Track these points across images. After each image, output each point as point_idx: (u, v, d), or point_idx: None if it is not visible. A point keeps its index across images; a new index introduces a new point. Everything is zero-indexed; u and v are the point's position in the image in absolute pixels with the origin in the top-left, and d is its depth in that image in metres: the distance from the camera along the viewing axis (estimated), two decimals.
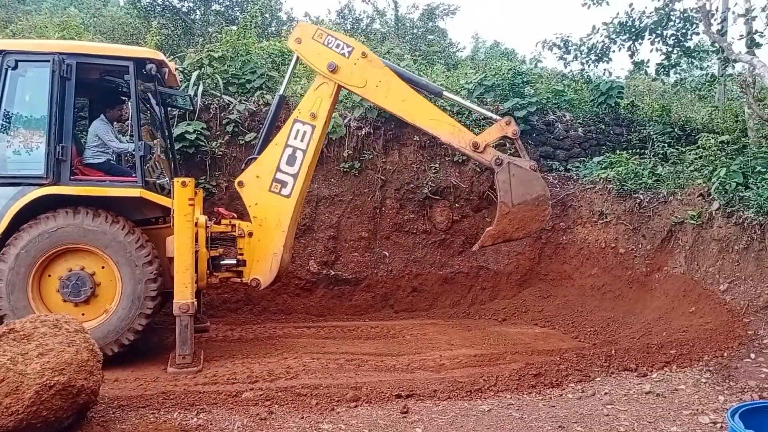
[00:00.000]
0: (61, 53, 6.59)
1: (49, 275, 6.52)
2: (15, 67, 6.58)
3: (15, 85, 6.69)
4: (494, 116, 7.25)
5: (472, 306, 10.06)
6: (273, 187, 7.21)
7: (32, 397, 4.28)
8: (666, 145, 11.21)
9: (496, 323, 9.23)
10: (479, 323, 9.20)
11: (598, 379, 6.33)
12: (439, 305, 10.07)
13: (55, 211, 6.45)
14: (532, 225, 6.89)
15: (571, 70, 14.10)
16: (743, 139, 10.02)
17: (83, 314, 6.45)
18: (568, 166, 11.21)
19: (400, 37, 18.74)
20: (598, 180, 10.30)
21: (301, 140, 7.22)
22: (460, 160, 10.60)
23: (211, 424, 5.02)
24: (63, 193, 6.47)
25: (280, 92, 7.71)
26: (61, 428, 4.57)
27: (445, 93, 7.35)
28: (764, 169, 8.02)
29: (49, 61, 6.54)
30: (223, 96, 10.08)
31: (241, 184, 7.30)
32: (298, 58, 7.41)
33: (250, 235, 7.28)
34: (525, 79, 11.91)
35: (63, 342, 4.64)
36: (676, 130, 11.92)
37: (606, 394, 5.94)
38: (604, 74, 13.97)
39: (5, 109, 6.62)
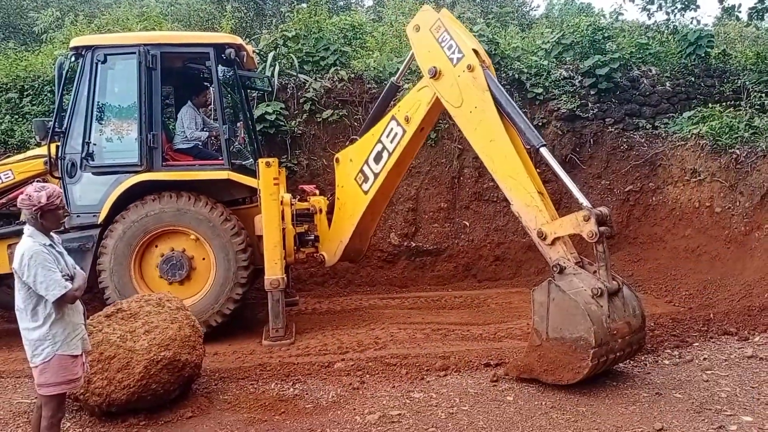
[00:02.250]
0: (145, 44, 6.86)
1: (149, 257, 6.88)
2: (104, 61, 6.91)
3: (105, 78, 7.05)
4: (582, 201, 5.28)
5: None
6: (358, 177, 7.04)
7: (142, 371, 4.59)
8: (763, 95, 10.44)
9: None
10: None
11: (696, 344, 6.12)
12: (523, 273, 9.92)
13: (159, 194, 6.79)
14: (564, 374, 5.00)
15: (655, 21, 13.36)
16: None
17: (186, 292, 6.77)
18: (656, 123, 10.65)
19: (470, 0, 18.28)
20: (689, 136, 9.75)
21: (391, 141, 6.71)
22: (540, 123, 10.30)
23: (306, 394, 5.23)
24: (156, 178, 6.81)
25: (393, 79, 7.27)
26: (169, 400, 4.88)
27: (542, 150, 5.63)
28: None
29: (135, 53, 6.84)
30: (299, 75, 10.22)
31: (337, 160, 7.29)
32: None
33: (321, 211, 7.38)
34: (606, 35, 11.35)
35: (167, 319, 4.94)
36: None
37: (705, 359, 5.73)
38: (691, 23, 13.17)
39: (98, 102, 6.99)
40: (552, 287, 5.08)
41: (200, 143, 7.69)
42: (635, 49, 11.53)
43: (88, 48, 6.92)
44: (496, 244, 10.06)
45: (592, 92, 10.62)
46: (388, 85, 7.37)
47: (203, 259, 6.89)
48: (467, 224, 10.13)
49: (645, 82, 10.98)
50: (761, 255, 8.09)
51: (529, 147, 5.76)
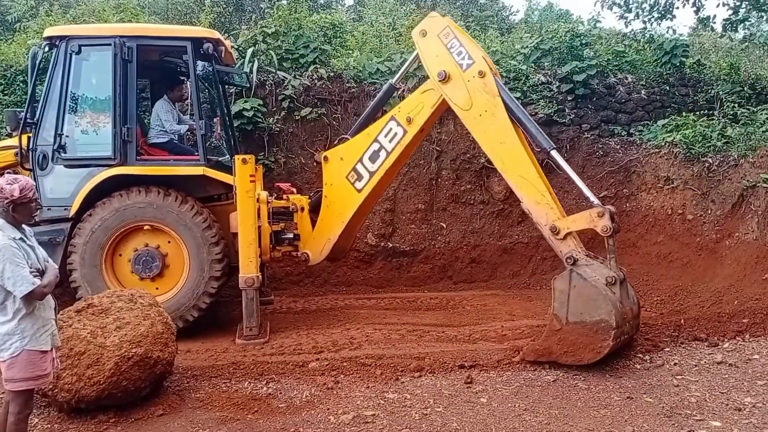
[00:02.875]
0: (121, 36, 6.74)
1: (120, 254, 6.77)
2: (78, 52, 6.77)
3: (80, 69, 6.91)
4: (593, 199, 5.84)
5: (533, 276, 9.93)
6: (350, 175, 7.04)
7: (112, 368, 4.52)
8: (735, 105, 10.66)
9: None
10: (540, 294, 9.08)
11: (667, 349, 6.20)
12: (498, 276, 9.99)
13: (128, 189, 6.67)
14: (585, 354, 5.45)
15: (632, 30, 13.59)
16: None
17: (156, 288, 6.70)
18: (631, 131, 10.81)
19: (451, 2, 18.36)
20: (663, 144, 9.91)
21: (390, 140, 6.81)
22: None
23: (280, 393, 5.18)
24: (130, 173, 6.69)
25: (392, 81, 7.32)
26: (140, 397, 4.80)
27: (553, 153, 6.10)
28: None
29: (110, 44, 6.71)
30: (278, 72, 10.15)
31: (326, 159, 7.25)
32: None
33: (302, 209, 7.35)
34: (584, 41, 11.49)
35: (138, 315, 4.86)
36: (745, 89, 11.32)
37: (675, 364, 5.81)
38: (667, 32, 13.42)
39: (72, 93, 6.84)
40: (574, 275, 5.53)
41: (176, 138, 7.59)
42: (612, 56, 11.70)
43: (62, 38, 6.78)
44: (472, 246, 10.11)
45: (569, 98, 10.73)
46: (385, 86, 7.41)
47: (175, 252, 6.79)
48: (444, 226, 10.16)
49: (621, 89, 11.13)
50: (731, 263, 8.25)
51: (539, 150, 6.22)
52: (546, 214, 5.89)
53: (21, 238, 3.60)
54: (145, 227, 6.70)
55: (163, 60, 7.67)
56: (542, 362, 5.67)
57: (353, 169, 7.03)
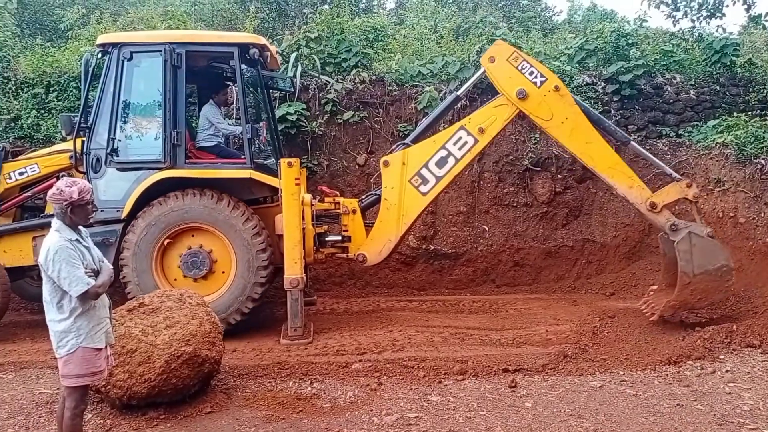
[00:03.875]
0: (171, 43, 6.92)
1: (170, 254, 6.92)
2: (130, 59, 6.97)
3: (131, 75, 7.11)
4: (675, 174, 7.16)
5: (578, 280, 9.77)
6: (414, 179, 7.29)
7: (162, 365, 4.63)
8: None
9: (603, 298, 8.94)
10: (586, 298, 8.94)
11: (719, 356, 6.04)
12: (542, 279, 9.86)
13: (183, 191, 6.83)
14: (715, 295, 6.76)
15: (680, 29, 13.22)
16: None
17: (206, 288, 6.82)
18: (680, 132, 10.53)
19: (492, 4, 18.21)
20: (713, 145, 9.62)
21: (459, 148, 7.25)
22: None
23: (324, 393, 5.24)
24: (179, 176, 6.86)
25: (458, 93, 7.72)
26: (188, 395, 4.92)
27: (632, 143, 7.37)
28: None
29: (160, 51, 6.89)
30: (321, 76, 10.26)
31: (386, 163, 7.41)
32: (484, 71, 7.31)
33: (354, 212, 7.43)
34: (630, 41, 11.24)
35: (187, 315, 4.97)
36: None
37: (727, 371, 5.67)
38: (717, 31, 13.01)
39: (124, 98, 7.05)
40: (692, 235, 6.68)
41: (224, 141, 7.75)
42: (659, 56, 11.41)
43: (114, 45, 6.99)
44: (515, 249, 10.00)
45: (615, 99, 10.52)
46: (450, 97, 7.75)
47: (223, 255, 6.91)
48: (486, 229, 10.09)
49: (669, 89, 10.85)
50: None
51: (618, 143, 7.44)
52: (640, 195, 6.98)
53: (77, 240, 3.73)
54: (196, 229, 6.85)
55: (210, 65, 7.83)
56: (679, 313, 6.97)
57: (417, 174, 7.29)
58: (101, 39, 7.20)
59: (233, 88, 8.18)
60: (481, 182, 10.15)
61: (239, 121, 7.50)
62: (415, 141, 7.48)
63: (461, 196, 10.08)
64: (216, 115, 7.65)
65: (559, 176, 10.13)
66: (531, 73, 7.07)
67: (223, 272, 6.91)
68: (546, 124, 7.13)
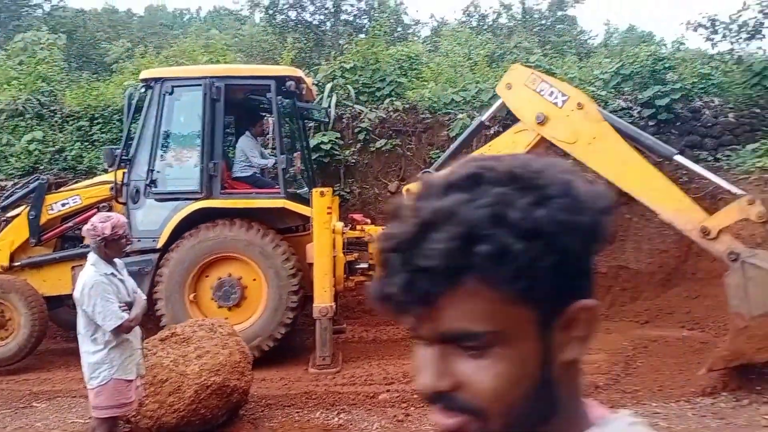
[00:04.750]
0: (211, 77, 7.17)
1: (203, 283, 7.08)
2: (171, 93, 7.26)
3: (172, 108, 7.39)
4: (734, 189, 5.87)
5: (612, 308, 9.57)
6: None
7: (192, 396, 4.72)
8: None
9: (637, 326, 8.73)
10: (619, 326, 8.74)
11: (756, 387, 5.83)
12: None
13: (214, 222, 7.01)
14: None
15: (719, 51, 13.02)
16: None
17: (237, 317, 6.94)
18: (718, 155, 10.31)
19: (528, 29, 18.27)
20: (753, 170, 9.39)
21: None
22: None
23: (351, 424, 5.26)
24: (214, 206, 7.06)
25: (482, 118, 7.38)
26: (216, 425, 4.98)
27: (676, 157, 6.17)
28: None
29: (200, 85, 7.15)
30: (355, 105, 10.44)
31: (409, 191, 7.40)
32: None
33: None
34: (667, 65, 11.13)
35: (218, 344, 5.08)
36: None
37: (765, 402, 5.46)
38: (757, 52, 12.75)
39: (164, 131, 7.32)
40: (746, 266, 5.31)
41: (259, 172, 7.94)
42: (697, 79, 11.24)
43: (157, 80, 7.29)
44: None
45: (651, 123, 10.39)
46: (474, 123, 7.48)
47: (254, 283, 7.05)
48: None
49: (707, 113, 10.67)
50: None
51: (661, 160, 6.47)
52: (691, 219, 5.79)
53: (112, 273, 3.90)
54: (227, 258, 7.02)
55: (247, 97, 8.08)
56: (732, 368, 5.47)
57: None
58: (144, 74, 7.52)
59: (269, 119, 8.39)
60: None
61: (275, 151, 7.69)
62: (439, 169, 7.41)
63: None
64: (251, 148, 7.84)
65: None
66: (551, 94, 6.40)
67: (255, 300, 7.04)
68: (571, 147, 6.28)
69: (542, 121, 6.42)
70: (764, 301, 5.21)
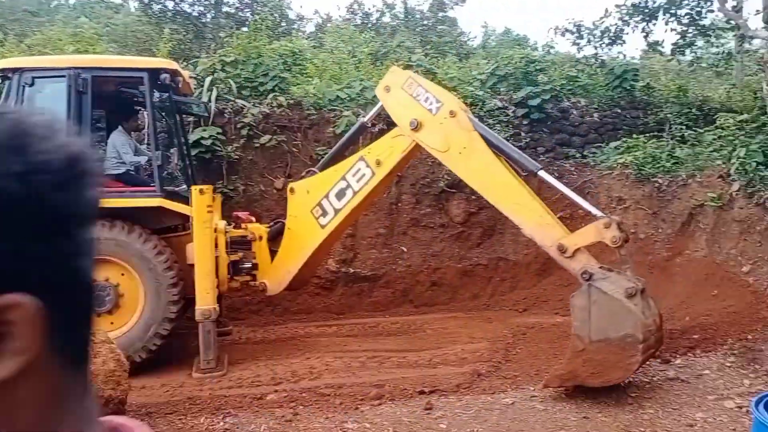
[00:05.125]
0: (76, 68, 6.69)
1: None
2: (32, 84, 6.69)
3: (33, 101, 6.81)
4: (595, 212, 5.88)
5: (492, 298, 10.05)
6: (315, 210, 6.95)
7: None
8: (684, 126, 11.04)
9: (516, 314, 9.21)
10: (500, 315, 9.19)
11: None
12: (459, 298, 10.08)
13: None
14: (613, 373, 5.22)
15: (584, 55, 14.01)
16: (762, 117, 9.81)
17: (111, 323, 6.56)
18: (585, 153, 11.10)
19: (410, 29, 18.69)
20: (615, 166, 10.20)
21: (357, 180, 6.75)
22: None
23: (237, 428, 5.12)
24: None
25: (364, 120, 7.37)
26: None
27: (541, 173, 6.14)
28: None
29: (64, 76, 6.65)
30: (237, 100, 10.17)
31: (292, 190, 7.23)
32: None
33: (261, 238, 7.33)
34: (538, 67, 11.82)
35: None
36: (693, 110, 11.73)
37: (630, 382, 5.91)
38: (618, 57, 13.86)
39: None
40: (593, 290, 5.27)
41: (133, 169, 7.53)
42: (566, 81, 12.03)
43: (15, 70, 6.69)
44: (432, 269, 10.19)
45: (524, 122, 10.98)
46: (357, 124, 7.43)
47: (132, 290, 6.68)
48: (405, 250, 10.23)
49: (575, 112, 11.45)
50: (682, 280, 8.50)
51: (526, 173, 6.33)
52: (549, 235, 5.80)
53: None
54: (104, 261, 6.60)
55: (119, 90, 7.62)
56: (566, 386, 5.49)
57: (319, 204, 6.94)
58: (1, 64, 6.88)
59: (144, 113, 7.98)
60: (399, 204, 10.31)
61: (150, 148, 7.31)
62: (322, 169, 7.24)
63: (380, 219, 10.20)
64: (123, 144, 7.41)
65: (473, 197, 10.41)
66: (426, 99, 6.36)
67: (131, 306, 6.68)
68: (443, 155, 6.37)
69: (416, 127, 6.38)
70: (605, 327, 5.21)
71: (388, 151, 6.70)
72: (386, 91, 6.71)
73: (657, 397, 5.54)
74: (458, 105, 6.46)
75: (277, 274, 7.22)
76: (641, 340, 5.10)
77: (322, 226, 6.94)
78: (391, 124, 9.62)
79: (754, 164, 7.96)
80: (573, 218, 8.69)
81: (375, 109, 7.24)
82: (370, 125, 7.62)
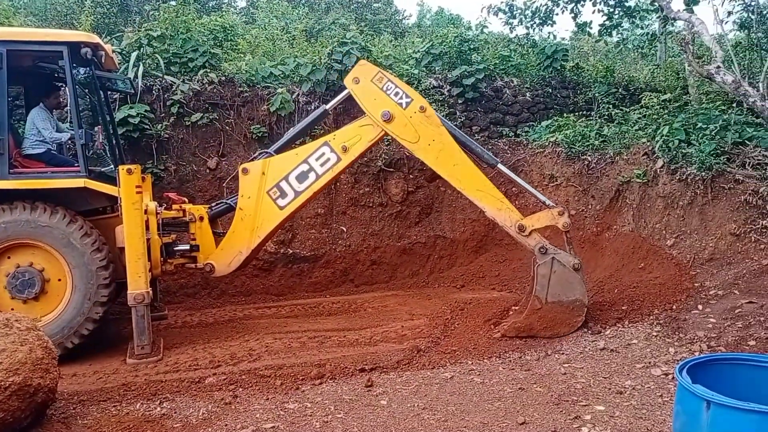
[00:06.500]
0: None
1: None
2: None
3: None
4: (548, 202, 6.89)
5: (431, 275, 10.18)
6: (272, 191, 7.02)
7: None
8: (611, 105, 11.39)
9: (454, 290, 9.38)
10: (438, 291, 9.33)
11: (555, 339, 6.55)
12: (398, 276, 10.16)
13: (11, 204, 6.22)
14: (561, 328, 6.57)
15: (516, 35, 14.20)
16: (684, 96, 10.26)
17: (39, 309, 6.29)
18: (518, 131, 11.32)
19: (344, 6, 18.44)
20: (547, 144, 10.45)
21: (321, 165, 7.02)
22: None
23: (175, 413, 5.00)
24: (3, 188, 6.22)
25: (326, 107, 7.40)
26: (21, 428, 4.48)
27: (499, 166, 7.09)
28: (705, 126, 8.25)
29: None
30: (165, 77, 9.79)
31: (245, 171, 7.10)
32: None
33: (201, 219, 7.17)
34: (472, 46, 11.91)
35: (15, 341, 4.52)
36: (620, 90, 12.12)
37: (562, 353, 6.15)
38: (548, 37, 14.13)
39: None
40: (555, 262, 6.58)
41: (54, 148, 7.14)
42: (499, 60, 12.19)
43: None
44: (372, 248, 10.21)
45: (459, 101, 11.08)
46: (318, 110, 7.50)
47: (58, 275, 6.39)
48: (344, 230, 10.20)
49: (507, 92, 11.63)
50: (611, 254, 8.84)
51: (486, 166, 7.15)
52: (509, 217, 6.79)
53: None
54: (26, 245, 6.27)
55: (38, 65, 7.18)
56: (521, 337, 6.56)
57: (276, 186, 7.02)
58: None
59: (65, 89, 7.56)
60: (338, 184, 10.24)
61: (72, 126, 6.94)
62: (279, 151, 7.26)
63: (318, 199, 10.09)
64: (43, 120, 7.02)
65: (411, 176, 10.50)
66: (396, 94, 6.92)
67: (58, 291, 6.38)
68: (413, 146, 6.98)
69: (388, 119, 6.89)
70: (559, 293, 6.58)
71: (355, 139, 7.06)
72: (355, 83, 7.03)
73: (588, 367, 5.75)
74: (426, 102, 7.06)
75: (226, 255, 7.09)
76: (586, 304, 6.66)
77: (281, 207, 7.04)
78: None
79: (677, 142, 8.28)
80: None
81: (339, 97, 7.38)
82: (331, 112, 7.98)
